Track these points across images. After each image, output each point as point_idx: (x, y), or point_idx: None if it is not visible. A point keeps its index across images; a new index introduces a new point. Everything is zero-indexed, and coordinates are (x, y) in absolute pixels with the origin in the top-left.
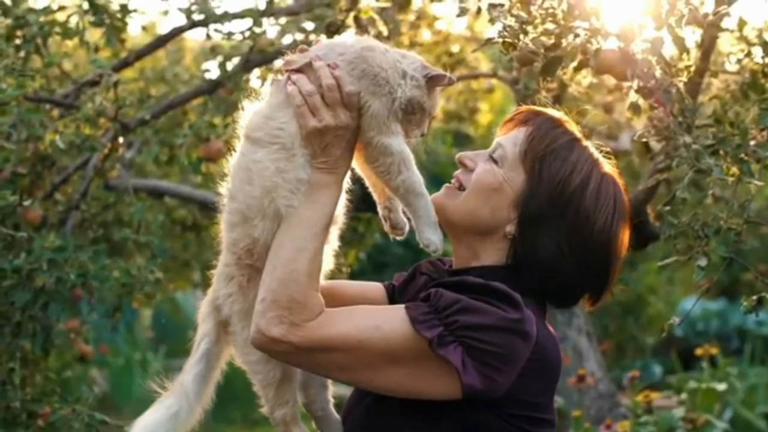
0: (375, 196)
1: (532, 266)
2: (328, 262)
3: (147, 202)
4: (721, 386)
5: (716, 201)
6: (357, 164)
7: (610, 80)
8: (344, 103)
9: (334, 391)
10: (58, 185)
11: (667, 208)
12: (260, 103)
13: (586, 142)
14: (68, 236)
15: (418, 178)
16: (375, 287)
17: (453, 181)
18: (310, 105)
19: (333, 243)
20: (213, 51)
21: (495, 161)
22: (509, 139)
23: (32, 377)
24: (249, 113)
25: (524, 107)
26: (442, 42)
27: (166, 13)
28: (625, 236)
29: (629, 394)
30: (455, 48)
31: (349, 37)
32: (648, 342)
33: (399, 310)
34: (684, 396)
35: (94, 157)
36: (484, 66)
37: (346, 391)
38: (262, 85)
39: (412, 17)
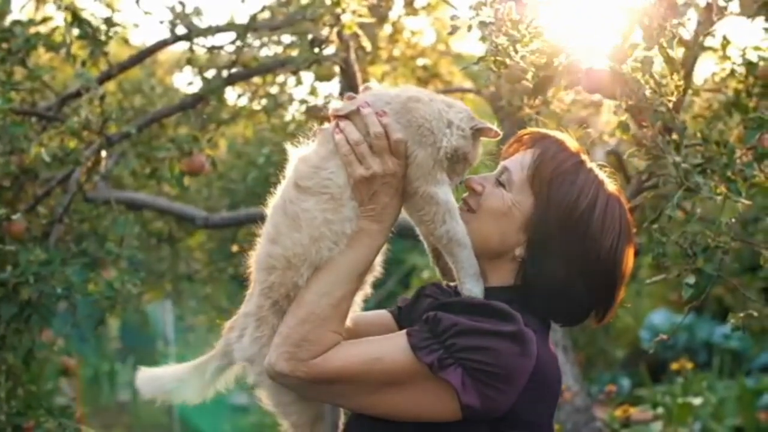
0: (425, 244)
1: (540, 287)
2: (356, 308)
3: (129, 215)
4: (697, 400)
5: (691, 218)
6: (405, 212)
7: (587, 96)
8: (392, 151)
9: None
10: (41, 198)
11: (655, 226)
12: (307, 149)
13: (590, 164)
14: (51, 249)
15: (462, 229)
16: (382, 315)
17: (461, 205)
18: (358, 153)
19: (366, 289)
20: (189, 63)
21: (502, 185)
22: (515, 163)
23: (15, 390)
24: (296, 159)
25: (528, 129)
26: (417, 56)
27: (136, 25)
28: (630, 255)
29: (600, 407)
30: (425, 61)
31: (394, 87)
32: (617, 355)
33: (400, 337)
34: (660, 410)
35: (77, 171)
36: (458, 80)
37: None
38: (238, 98)
39: (388, 30)
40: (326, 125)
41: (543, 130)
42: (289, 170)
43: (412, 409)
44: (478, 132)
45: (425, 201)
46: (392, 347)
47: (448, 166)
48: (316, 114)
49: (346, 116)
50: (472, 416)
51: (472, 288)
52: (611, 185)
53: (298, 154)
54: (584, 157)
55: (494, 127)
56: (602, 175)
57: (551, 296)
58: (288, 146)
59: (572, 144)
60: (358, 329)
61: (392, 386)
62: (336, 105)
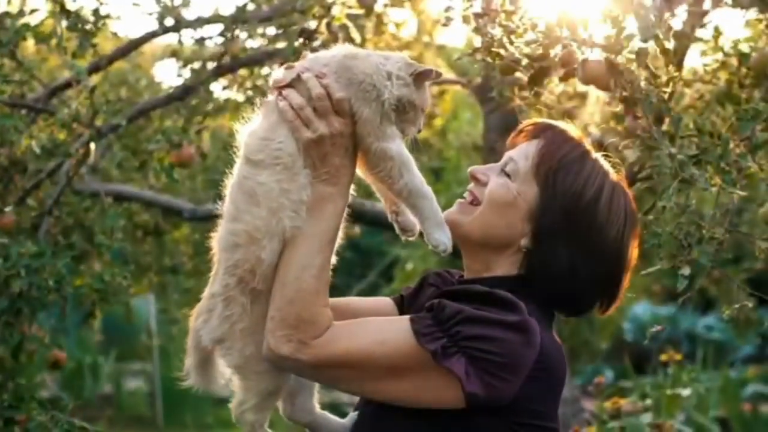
0: (382, 201)
1: (545, 277)
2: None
3: (119, 208)
4: (686, 392)
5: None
6: (361, 173)
7: (573, 87)
8: (336, 111)
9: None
10: (30, 190)
11: (650, 217)
12: (253, 124)
13: (595, 154)
14: (41, 242)
15: (420, 180)
16: (385, 302)
17: (466, 195)
18: (303, 117)
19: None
20: (174, 55)
21: (507, 175)
22: (520, 153)
23: (6, 383)
24: (244, 135)
25: (533, 120)
26: (402, 48)
27: (119, 17)
28: (634, 245)
29: (587, 398)
30: (410, 53)
31: (330, 49)
32: (601, 347)
33: (404, 322)
34: (649, 401)
35: (67, 163)
36: (442, 71)
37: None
38: (224, 90)
39: (372, 22)
40: (269, 97)
41: (546, 121)
42: (240, 148)
43: (415, 396)
44: (419, 76)
45: (379, 158)
46: (395, 332)
47: (397, 117)
48: None
49: (289, 85)
50: (476, 404)
51: (439, 237)
52: (615, 175)
53: (245, 130)
54: (588, 146)
55: (434, 68)
56: (606, 164)
57: (556, 286)
58: (235, 125)
59: (576, 134)
60: (355, 314)
61: (395, 371)
62: (277, 75)
